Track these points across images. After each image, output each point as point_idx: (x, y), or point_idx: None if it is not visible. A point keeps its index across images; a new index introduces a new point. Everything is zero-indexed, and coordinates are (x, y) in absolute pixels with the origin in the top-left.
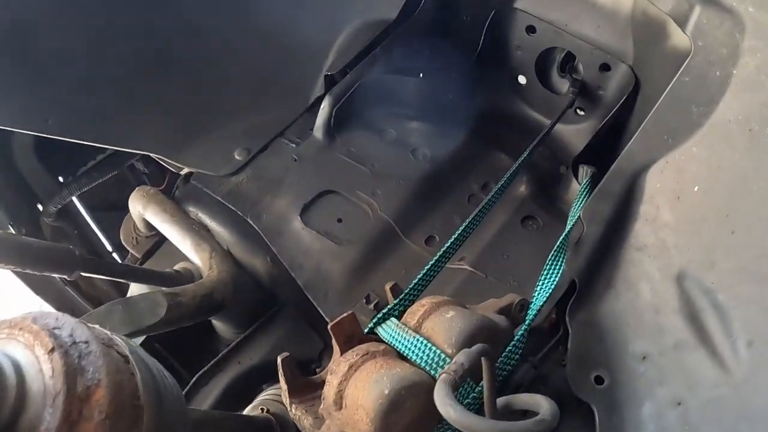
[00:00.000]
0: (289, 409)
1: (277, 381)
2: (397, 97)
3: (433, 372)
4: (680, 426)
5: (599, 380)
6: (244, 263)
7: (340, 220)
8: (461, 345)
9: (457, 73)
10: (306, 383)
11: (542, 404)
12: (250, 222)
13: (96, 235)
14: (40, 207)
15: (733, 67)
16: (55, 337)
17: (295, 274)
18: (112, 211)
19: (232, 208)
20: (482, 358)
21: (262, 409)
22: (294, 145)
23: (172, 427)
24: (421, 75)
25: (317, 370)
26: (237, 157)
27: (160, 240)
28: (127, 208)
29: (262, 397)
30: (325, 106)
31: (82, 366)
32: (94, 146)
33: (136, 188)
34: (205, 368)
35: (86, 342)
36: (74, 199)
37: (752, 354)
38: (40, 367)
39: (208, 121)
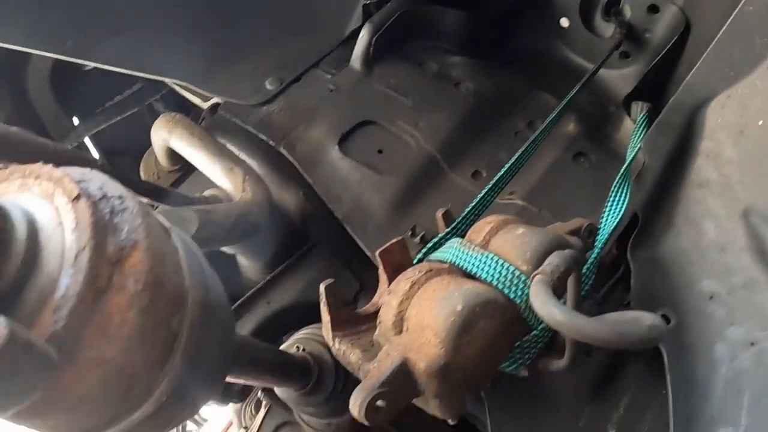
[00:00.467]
0: (331, 343)
1: (311, 323)
2: (439, 30)
3: (507, 291)
4: (756, 368)
5: (666, 320)
6: (275, 198)
7: (380, 151)
8: (537, 262)
9: (500, 11)
10: (351, 316)
11: (644, 315)
12: (283, 152)
13: None
14: None
15: None
16: (84, 186)
17: (332, 206)
18: (128, 157)
19: (263, 137)
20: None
21: (297, 348)
22: (330, 76)
23: (218, 334)
24: (462, 10)
25: None
26: (268, 87)
27: (184, 175)
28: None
29: (297, 335)
30: (364, 35)
31: (115, 223)
32: (115, 79)
33: (161, 115)
34: (232, 308)
35: (120, 198)
36: (89, 142)
37: None
38: (59, 220)
39: (238, 50)
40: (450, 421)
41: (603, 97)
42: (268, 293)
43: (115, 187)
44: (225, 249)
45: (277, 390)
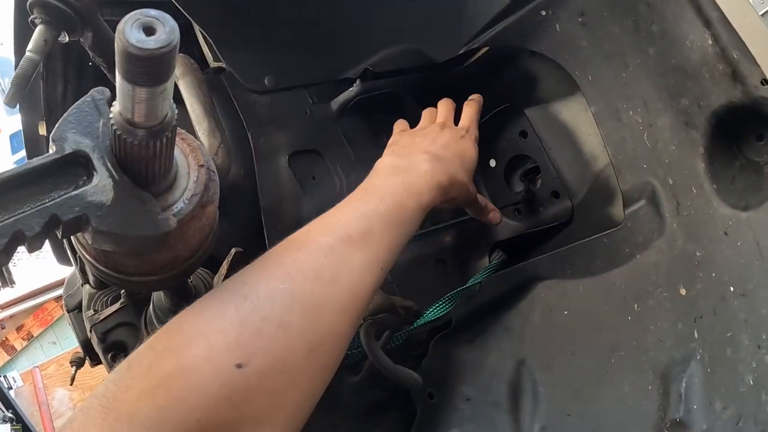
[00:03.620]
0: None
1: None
2: (403, 116)
3: None
4: None
5: (431, 396)
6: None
7: (314, 178)
8: (373, 311)
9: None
10: None
11: (415, 375)
12: (249, 136)
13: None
14: None
15: (639, 253)
16: (204, 158)
17: (261, 195)
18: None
19: (241, 117)
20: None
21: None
22: (311, 101)
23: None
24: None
25: None
26: (266, 82)
27: None
28: None
29: None
30: (353, 89)
31: (209, 186)
32: None
33: (183, 54)
34: None
35: (214, 172)
36: None
37: None
38: (188, 171)
39: (266, 38)
40: None
41: (485, 230)
42: None
43: (212, 164)
44: None
45: (155, 293)
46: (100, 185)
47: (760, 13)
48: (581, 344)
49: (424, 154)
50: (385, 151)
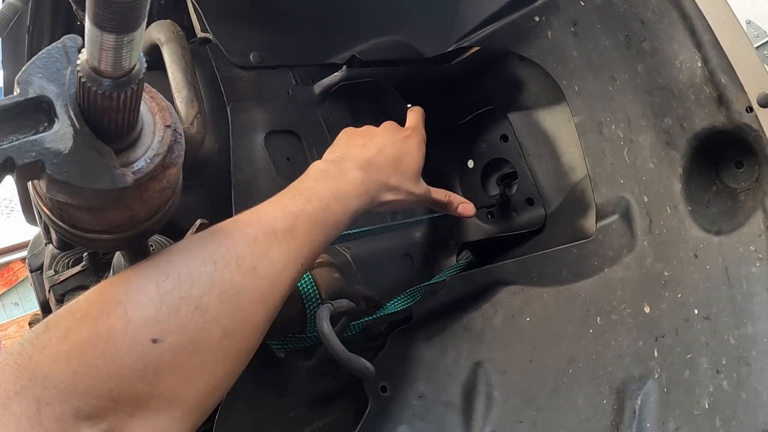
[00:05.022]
0: None
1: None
2: (385, 106)
3: (305, 301)
4: None
5: (384, 389)
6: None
7: (288, 159)
8: (332, 297)
9: (435, 123)
10: None
11: (367, 364)
12: (228, 110)
13: None
14: None
15: (607, 267)
16: (171, 118)
17: (233, 170)
18: None
19: (222, 90)
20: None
21: (150, 245)
22: (294, 82)
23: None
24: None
25: None
26: (251, 58)
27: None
28: None
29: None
30: (338, 75)
31: (174, 148)
32: None
33: (170, 20)
34: None
35: (180, 134)
36: None
37: None
38: (153, 130)
39: (255, 15)
40: None
41: (456, 229)
42: None
43: (179, 126)
44: None
45: (116, 259)
46: (60, 133)
47: (756, 45)
48: (540, 352)
49: (355, 161)
50: (327, 151)
